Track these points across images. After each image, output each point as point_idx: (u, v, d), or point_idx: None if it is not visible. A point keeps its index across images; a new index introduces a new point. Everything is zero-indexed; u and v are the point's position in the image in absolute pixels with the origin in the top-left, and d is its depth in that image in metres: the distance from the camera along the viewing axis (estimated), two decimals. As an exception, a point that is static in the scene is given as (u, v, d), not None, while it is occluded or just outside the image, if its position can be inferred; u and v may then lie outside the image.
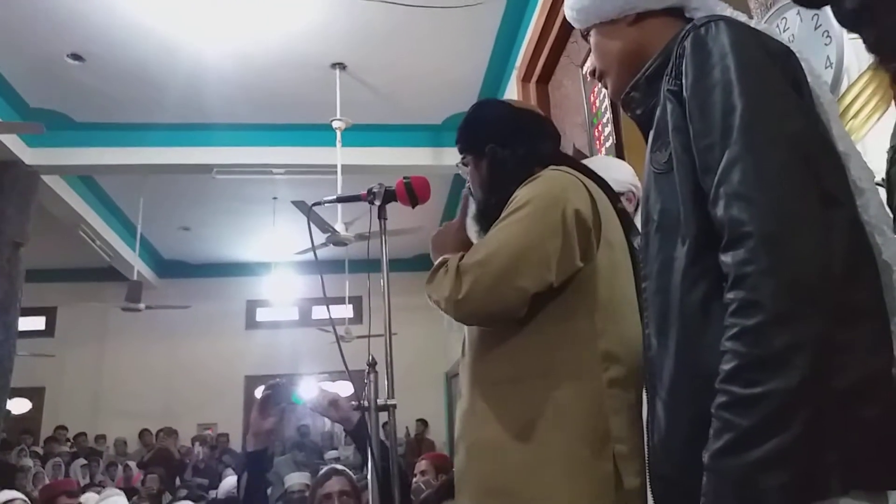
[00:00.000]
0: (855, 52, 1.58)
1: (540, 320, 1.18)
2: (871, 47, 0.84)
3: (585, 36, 1.16)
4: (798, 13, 1.76)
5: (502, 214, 1.21)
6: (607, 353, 1.15)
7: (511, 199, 1.22)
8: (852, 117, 1.57)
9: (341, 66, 4.92)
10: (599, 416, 1.12)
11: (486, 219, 1.31)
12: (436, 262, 1.25)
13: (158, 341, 9.15)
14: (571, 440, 1.12)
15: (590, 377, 1.14)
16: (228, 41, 4.56)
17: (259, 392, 1.62)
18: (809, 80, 0.90)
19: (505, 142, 1.33)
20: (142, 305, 6.59)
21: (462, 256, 1.19)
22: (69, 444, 8.27)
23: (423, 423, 8.92)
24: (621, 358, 1.16)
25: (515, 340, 1.19)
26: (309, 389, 1.58)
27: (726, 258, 0.79)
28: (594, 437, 1.11)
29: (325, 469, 2.47)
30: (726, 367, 0.76)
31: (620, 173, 1.94)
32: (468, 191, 1.42)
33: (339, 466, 2.54)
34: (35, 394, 8.97)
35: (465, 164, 1.41)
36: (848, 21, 0.85)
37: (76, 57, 4.65)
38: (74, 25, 4.30)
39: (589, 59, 1.08)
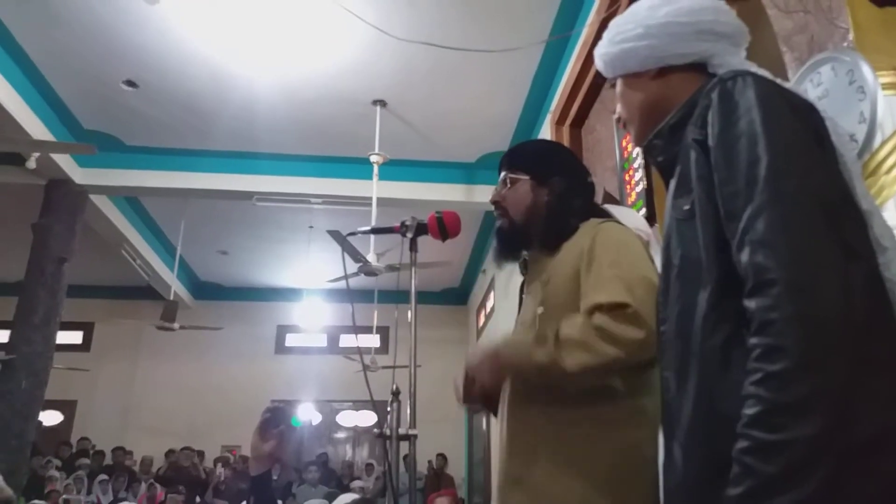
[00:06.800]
0: (889, 108, 1.58)
1: None
2: None
3: (612, 84, 1.20)
4: (832, 68, 1.77)
5: (602, 268, 1.24)
6: None
7: (595, 249, 1.27)
8: (885, 172, 1.57)
9: (382, 102, 5.06)
10: None
11: (510, 239, 1.42)
12: (542, 352, 1.22)
13: (189, 361, 9.29)
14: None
15: None
16: (277, 75, 4.73)
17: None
18: (833, 137, 0.92)
19: (571, 183, 1.43)
20: (176, 325, 6.71)
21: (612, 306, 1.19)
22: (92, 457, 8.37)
23: (443, 457, 8.82)
24: None
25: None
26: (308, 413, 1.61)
27: (751, 303, 0.80)
28: None
29: (339, 499, 2.48)
30: (749, 411, 0.76)
31: (630, 220, 2.04)
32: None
33: (351, 496, 2.55)
34: (67, 406, 9.12)
35: (511, 180, 1.45)
36: None
37: (131, 83, 4.87)
38: (131, 53, 4.51)
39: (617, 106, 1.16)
